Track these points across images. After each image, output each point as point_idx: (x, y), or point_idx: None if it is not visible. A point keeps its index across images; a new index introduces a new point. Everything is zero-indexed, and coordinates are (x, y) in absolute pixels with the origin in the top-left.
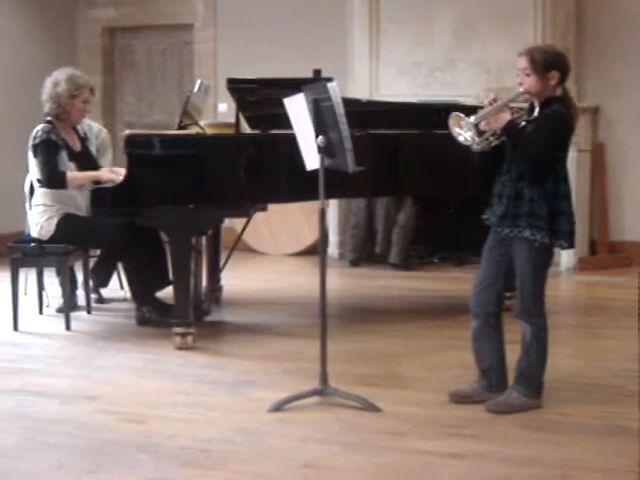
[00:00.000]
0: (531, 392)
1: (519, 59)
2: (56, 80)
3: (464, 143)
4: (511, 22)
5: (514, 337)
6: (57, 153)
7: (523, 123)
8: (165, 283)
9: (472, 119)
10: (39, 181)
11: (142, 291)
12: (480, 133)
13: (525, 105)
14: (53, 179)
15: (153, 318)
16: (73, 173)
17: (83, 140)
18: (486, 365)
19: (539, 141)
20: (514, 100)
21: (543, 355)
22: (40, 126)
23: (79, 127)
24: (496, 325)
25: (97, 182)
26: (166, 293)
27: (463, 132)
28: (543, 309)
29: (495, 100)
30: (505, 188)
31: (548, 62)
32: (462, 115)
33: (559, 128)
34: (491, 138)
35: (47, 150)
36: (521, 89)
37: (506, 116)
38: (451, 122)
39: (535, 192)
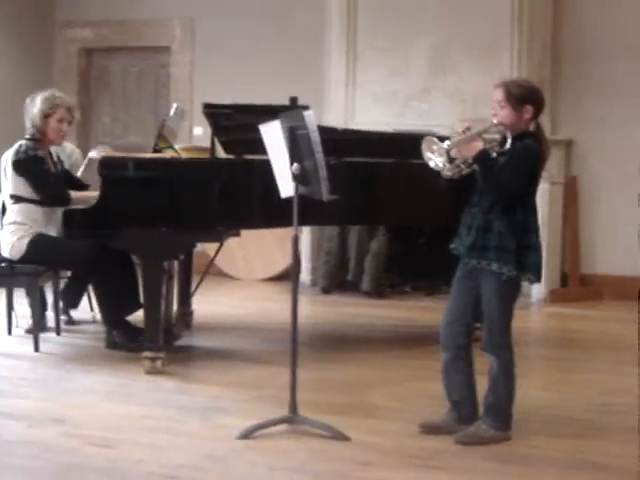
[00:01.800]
0: (500, 424)
1: (495, 91)
2: (33, 101)
3: (435, 168)
4: (487, 52)
5: (485, 368)
6: (46, 169)
7: (495, 154)
8: (136, 306)
9: (445, 144)
10: (34, 199)
11: (112, 314)
12: (451, 160)
13: (497, 137)
14: (57, 196)
15: (123, 343)
16: (76, 193)
17: (55, 164)
18: (456, 397)
19: (511, 172)
20: (487, 131)
21: (511, 388)
22: (23, 141)
23: (52, 150)
24: (466, 357)
25: None
26: (136, 316)
27: (434, 157)
28: (510, 342)
29: (469, 129)
30: (475, 219)
31: (523, 96)
32: (435, 139)
33: (531, 162)
34: (462, 166)
35: (39, 167)
36: (495, 121)
37: (479, 145)
38: (424, 146)
39: (504, 225)
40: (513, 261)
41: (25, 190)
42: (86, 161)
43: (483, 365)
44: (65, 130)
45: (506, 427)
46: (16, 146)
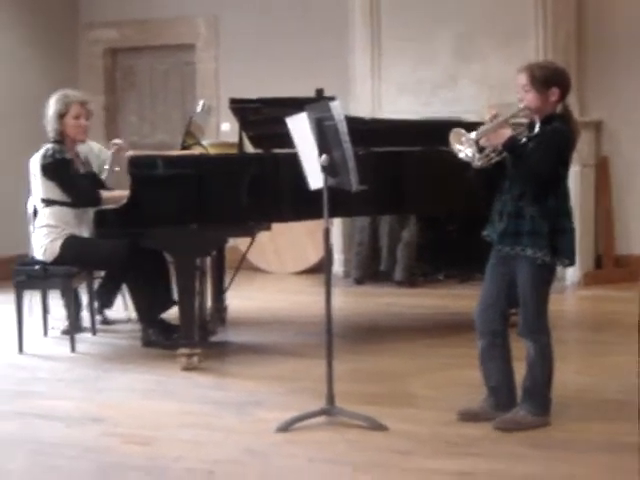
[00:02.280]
0: (538, 410)
1: (519, 75)
2: (48, 104)
3: (465, 159)
4: (512, 38)
5: (522, 354)
6: (74, 171)
7: (524, 139)
8: (170, 304)
9: (473, 135)
10: (66, 202)
11: (147, 313)
12: (481, 149)
13: (525, 121)
14: (88, 197)
15: (159, 341)
16: (107, 192)
17: (84, 164)
18: (494, 383)
19: (541, 157)
20: (515, 116)
21: (548, 372)
22: (50, 145)
23: (81, 151)
24: (502, 343)
25: None
26: (171, 314)
27: (464, 148)
28: (547, 326)
29: (496, 116)
30: (506, 206)
31: (548, 78)
32: (463, 131)
33: (560, 145)
34: (492, 154)
35: (67, 169)
36: (521, 105)
37: (507, 132)
38: (452, 138)
39: (536, 210)
40: (547, 245)
41: (55, 193)
42: (108, 166)
43: (520, 351)
44: (84, 125)
45: (544, 412)
46: (43, 150)
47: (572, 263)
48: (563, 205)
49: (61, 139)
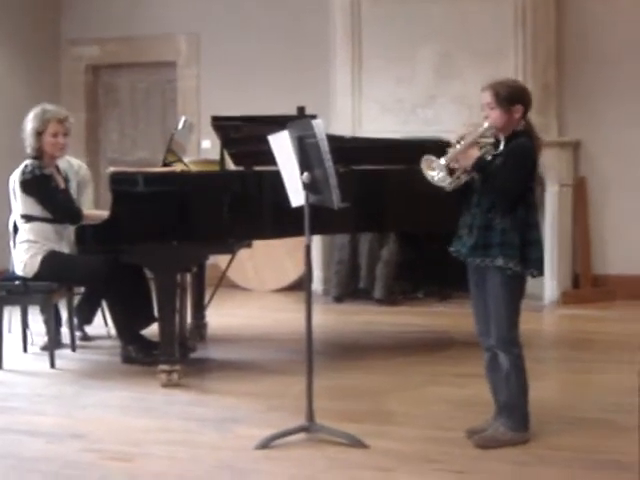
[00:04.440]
0: (517, 425)
1: (483, 94)
2: (26, 120)
3: (438, 184)
4: (492, 58)
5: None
6: (54, 187)
7: (489, 157)
8: (150, 320)
9: (443, 160)
10: (49, 218)
11: (127, 329)
12: (451, 172)
13: (491, 139)
14: (68, 212)
15: (139, 357)
16: (88, 211)
17: (65, 180)
18: (499, 396)
19: (508, 173)
20: (483, 135)
21: (523, 383)
22: (29, 161)
23: (60, 166)
24: None
25: None
26: (151, 330)
27: (436, 174)
28: (518, 337)
29: (462, 138)
30: (476, 219)
31: (512, 96)
32: (433, 157)
33: (526, 160)
34: (462, 176)
35: (47, 185)
36: (486, 124)
37: (475, 152)
38: (423, 166)
39: (507, 222)
40: (518, 256)
41: (35, 209)
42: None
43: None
44: (63, 142)
45: (523, 428)
46: (22, 167)
47: (540, 274)
48: (532, 217)
49: (39, 155)
